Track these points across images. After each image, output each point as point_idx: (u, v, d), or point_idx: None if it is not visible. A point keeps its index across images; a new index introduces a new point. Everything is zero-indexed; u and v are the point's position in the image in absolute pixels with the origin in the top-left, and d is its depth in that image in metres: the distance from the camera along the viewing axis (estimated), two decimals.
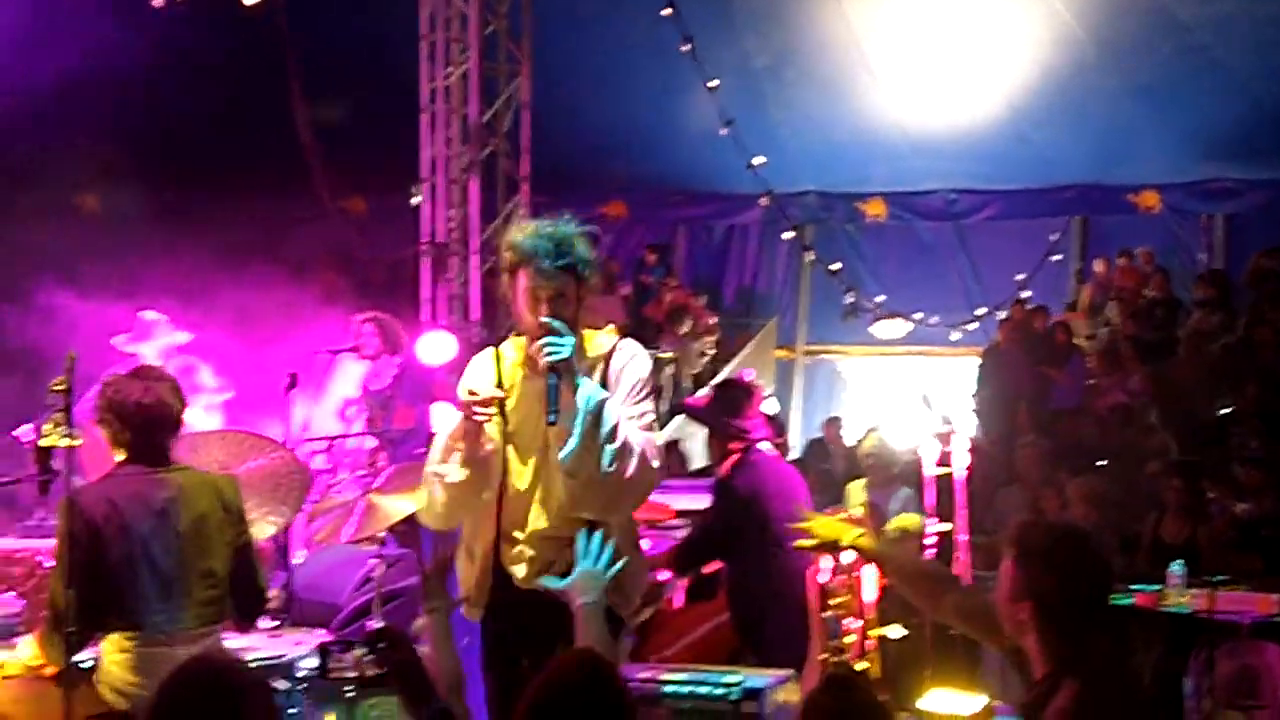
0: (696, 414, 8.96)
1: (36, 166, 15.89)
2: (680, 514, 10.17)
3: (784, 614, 8.05)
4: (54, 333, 11.45)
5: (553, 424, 5.75)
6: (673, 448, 15.10)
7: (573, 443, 5.74)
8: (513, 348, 6.13)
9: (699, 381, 18.24)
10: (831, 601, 8.55)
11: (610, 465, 5.75)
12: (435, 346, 12.60)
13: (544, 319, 5.76)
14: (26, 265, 13.41)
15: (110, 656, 6.13)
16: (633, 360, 6.07)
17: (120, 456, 6.26)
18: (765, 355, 19.91)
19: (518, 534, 6.00)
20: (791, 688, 6.82)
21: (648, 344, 18.52)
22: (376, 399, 11.49)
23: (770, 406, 17.71)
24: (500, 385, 6.01)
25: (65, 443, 5.87)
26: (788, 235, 20.12)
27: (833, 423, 17.32)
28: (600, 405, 5.74)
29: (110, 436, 6.22)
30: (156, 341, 11.04)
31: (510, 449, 6.05)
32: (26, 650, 6.32)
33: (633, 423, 5.87)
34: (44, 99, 15.12)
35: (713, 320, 19.53)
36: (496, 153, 15.58)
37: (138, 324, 11.22)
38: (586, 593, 5.30)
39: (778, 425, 10.08)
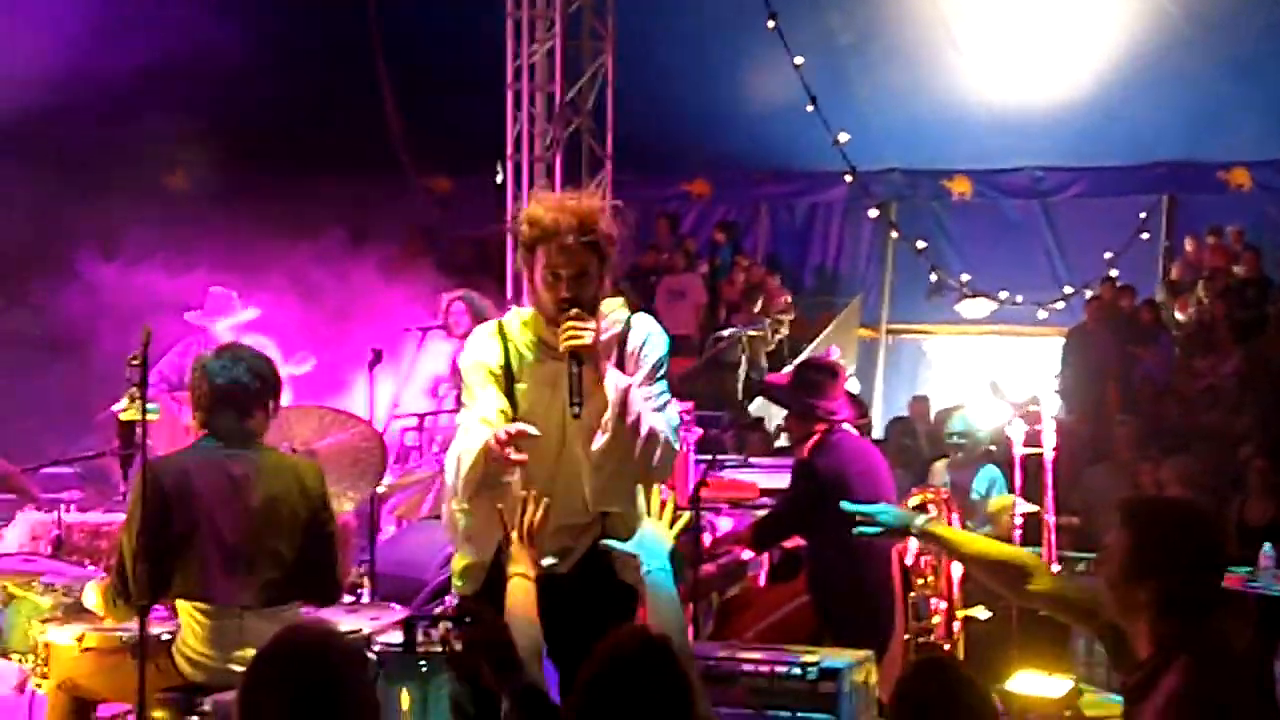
0: (775, 395, 8.83)
1: (128, 145, 15.91)
2: (765, 493, 10.05)
3: (866, 596, 7.98)
4: (142, 306, 11.48)
5: (577, 416, 5.38)
6: (757, 425, 15.00)
7: (603, 436, 5.40)
8: (519, 324, 5.63)
9: (775, 360, 18.11)
10: (918, 582, 8.48)
11: (639, 456, 5.41)
12: None
13: (564, 299, 5.38)
14: (113, 240, 13.41)
15: (187, 627, 6.14)
16: (650, 339, 5.63)
17: (201, 431, 6.26)
18: (848, 334, 19.74)
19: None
20: (870, 668, 6.73)
21: (724, 323, 18.56)
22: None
23: (852, 386, 17.63)
24: (507, 365, 5.57)
25: (143, 416, 5.83)
26: (872, 213, 19.96)
27: (919, 402, 17.16)
28: (627, 393, 5.40)
29: (192, 411, 6.23)
30: (228, 318, 11.06)
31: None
32: (92, 597, 6.36)
33: (650, 405, 5.49)
34: (137, 79, 15.15)
35: (788, 299, 19.38)
36: (580, 130, 15.57)
37: (209, 299, 11.23)
38: (653, 558, 5.02)
39: (861, 405, 9.92)
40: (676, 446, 5.60)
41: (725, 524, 8.65)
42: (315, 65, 17.01)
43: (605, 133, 15.77)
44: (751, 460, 11.74)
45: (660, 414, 5.52)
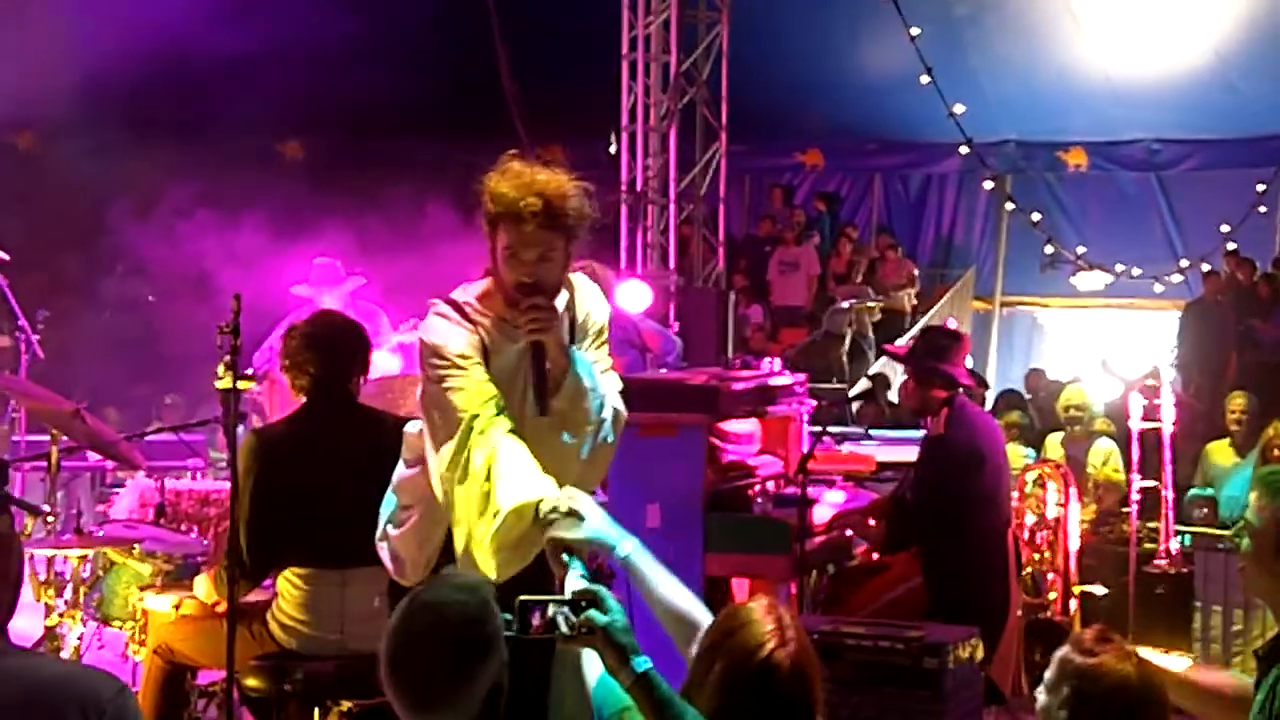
0: (902, 358, 8.55)
1: (246, 115, 15.86)
2: (882, 465, 9.77)
3: (982, 575, 7.69)
4: (259, 277, 11.41)
5: (544, 414, 4.95)
6: (869, 398, 14.71)
7: (578, 430, 4.96)
8: (477, 302, 5.02)
9: (886, 333, 17.80)
10: (1034, 557, 8.21)
11: (612, 438, 5.04)
12: (631, 295, 12.33)
13: (524, 284, 4.84)
14: (230, 210, 13.34)
15: (283, 593, 6.05)
16: (595, 304, 5.20)
17: (302, 399, 6.18)
18: (962, 306, 19.41)
19: None
20: (975, 644, 6.54)
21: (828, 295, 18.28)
22: None
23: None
24: (484, 345, 4.97)
25: (240, 385, 5.70)
26: (987, 185, 19.61)
27: (1034, 374, 16.86)
28: (595, 376, 5.00)
29: (291, 380, 6.11)
30: (334, 288, 10.95)
31: None
32: (201, 588, 6.26)
33: (605, 377, 5.12)
34: (255, 45, 15.07)
35: (913, 271, 19.11)
36: (695, 101, 15.38)
37: (315, 271, 11.13)
38: (616, 537, 4.48)
39: (979, 376, 9.64)
40: (625, 414, 5.17)
41: (837, 496, 8.35)
42: (432, 35, 16.90)
43: (720, 103, 15.56)
44: (873, 432, 11.48)
45: (608, 382, 5.14)
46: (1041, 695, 3.99)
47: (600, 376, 5.04)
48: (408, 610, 3.57)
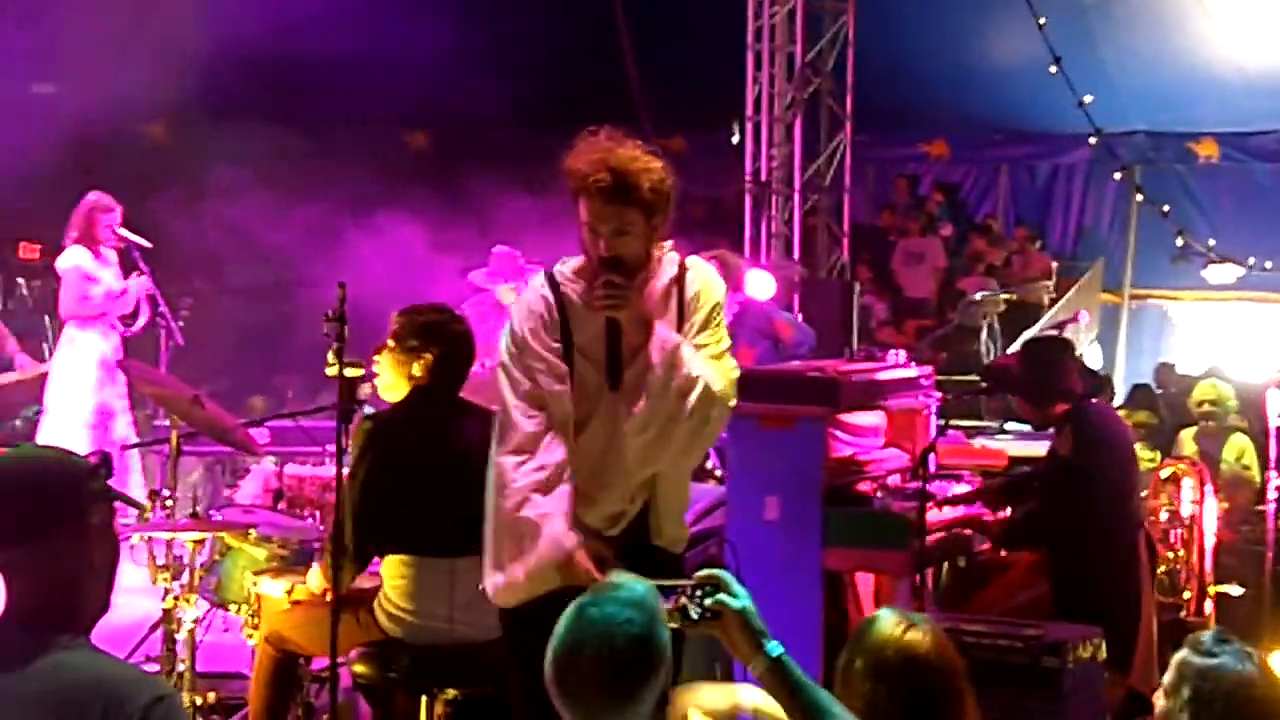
0: (1006, 381, 8.30)
1: (371, 108, 15.84)
2: (1014, 460, 9.54)
3: (1114, 586, 7.42)
4: (391, 266, 11.36)
5: (614, 389, 4.99)
6: (994, 393, 14.41)
7: (645, 400, 4.94)
8: (571, 272, 5.11)
9: (1018, 325, 17.48)
10: (1168, 555, 7.94)
11: (690, 414, 4.94)
12: (755, 285, 12.15)
13: (603, 258, 4.90)
14: (358, 200, 13.32)
15: (390, 582, 5.97)
16: (706, 285, 5.14)
17: (403, 384, 6.13)
18: (1090, 299, 19.01)
19: (583, 483, 5.07)
20: (1098, 644, 6.40)
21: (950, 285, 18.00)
22: None
23: (1094, 352, 16.98)
24: (564, 321, 5.03)
25: (348, 373, 5.61)
26: (1116, 176, 19.22)
27: (1164, 369, 16.49)
28: (675, 351, 4.93)
29: (400, 362, 6.00)
30: (515, 280, 10.92)
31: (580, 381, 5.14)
32: (314, 579, 6.19)
33: (707, 357, 5.03)
34: (378, 27, 15.06)
35: (1051, 264, 18.79)
36: (820, 91, 15.17)
37: (494, 260, 11.08)
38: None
39: (1094, 375, 9.36)
40: (732, 401, 5.12)
41: (962, 491, 8.12)
42: (556, 23, 16.78)
43: (845, 94, 15.35)
44: (1008, 427, 11.25)
45: (714, 366, 5.04)
46: (1160, 700, 3.93)
47: (696, 358, 4.95)
48: (576, 627, 3.42)
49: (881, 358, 8.77)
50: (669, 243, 5.19)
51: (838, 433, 7.63)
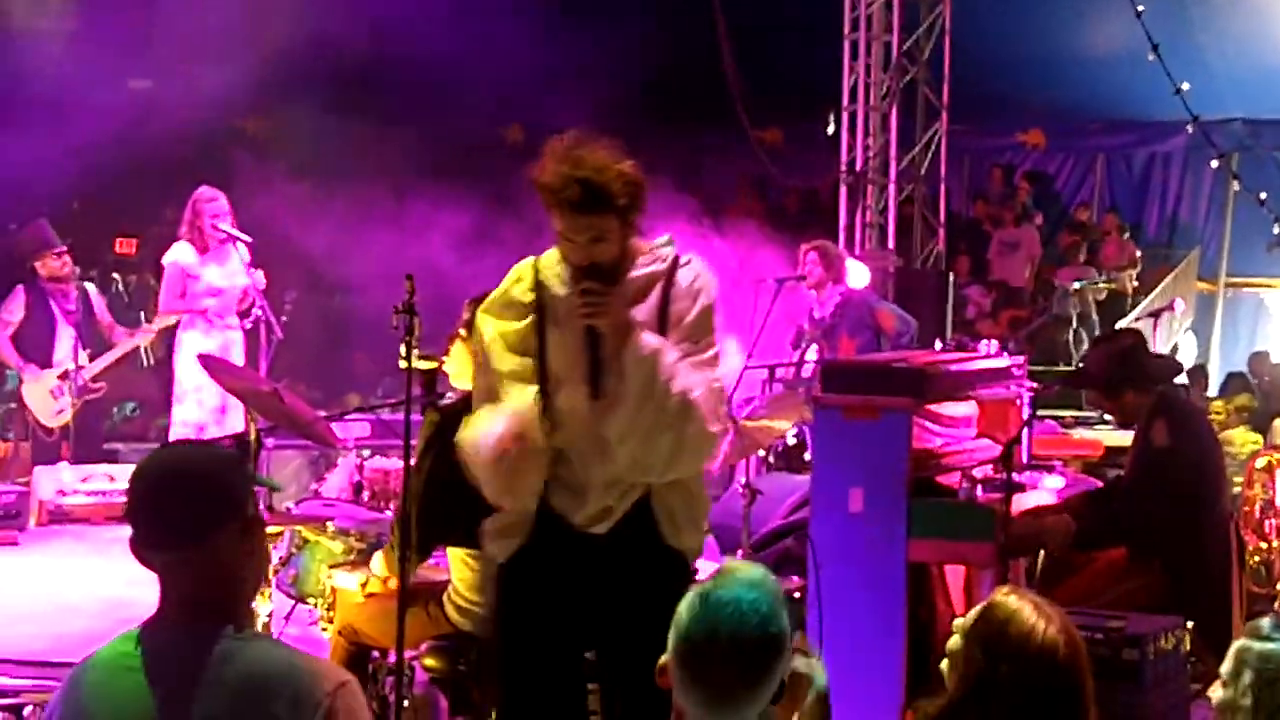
0: (1085, 385, 8.08)
1: (464, 96, 15.79)
2: (1110, 450, 9.32)
3: (1208, 570, 7.20)
4: (492, 260, 11.25)
5: (596, 399, 4.77)
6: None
7: (623, 408, 4.73)
8: (554, 260, 4.93)
9: (1111, 313, 17.20)
10: (1261, 545, 7.70)
11: (670, 424, 4.71)
12: (850, 275, 11.98)
13: (580, 266, 4.74)
14: (451, 194, 13.23)
15: (457, 575, 5.90)
16: (698, 282, 4.87)
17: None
18: (1186, 287, 18.73)
19: (568, 476, 4.90)
20: (1182, 635, 6.21)
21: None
22: (820, 327, 11.09)
23: (1188, 340, 16.68)
24: (540, 303, 4.88)
25: (423, 365, 5.49)
26: (1213, 164, 18.85)
27: (1258, 357, 16.15)
28: (655, 358, 4.69)
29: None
30: None
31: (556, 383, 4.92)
32: (377, 564, 6.14)
33: (695, 365, 4.78)
34: (473, 27, 15.01)
35: (1135, 253, 18.46)
36: (916, 80, 15.00)
37: None
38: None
39: (1168, 360, 9.13)
40: (719, 407, 4.88)
41: (1056, 482, 7.91)
42: (653, 16, 16.68)
43: (941, 83, 15.19)
44: (1107, 417, 11.02)
45: (703, 373, 4.80)
46: (1218, 691, 3.88)
47: (681, 364, 4.74)
48: (704, 612, 3.31)
49: (972, 348, 8.60)
50: (666, 237, 4.98)
51: (927, 423, 7.46)
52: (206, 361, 8.33)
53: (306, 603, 6.87)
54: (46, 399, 11.81)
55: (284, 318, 10.88)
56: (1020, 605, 3.81)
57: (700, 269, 4.93)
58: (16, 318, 11.84)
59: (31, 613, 9.04)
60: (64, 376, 11.65)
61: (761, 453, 9.53)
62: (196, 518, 3.18)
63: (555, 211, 4.74)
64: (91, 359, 11.38)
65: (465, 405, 5.84)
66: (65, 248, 11.96)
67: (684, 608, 3.33)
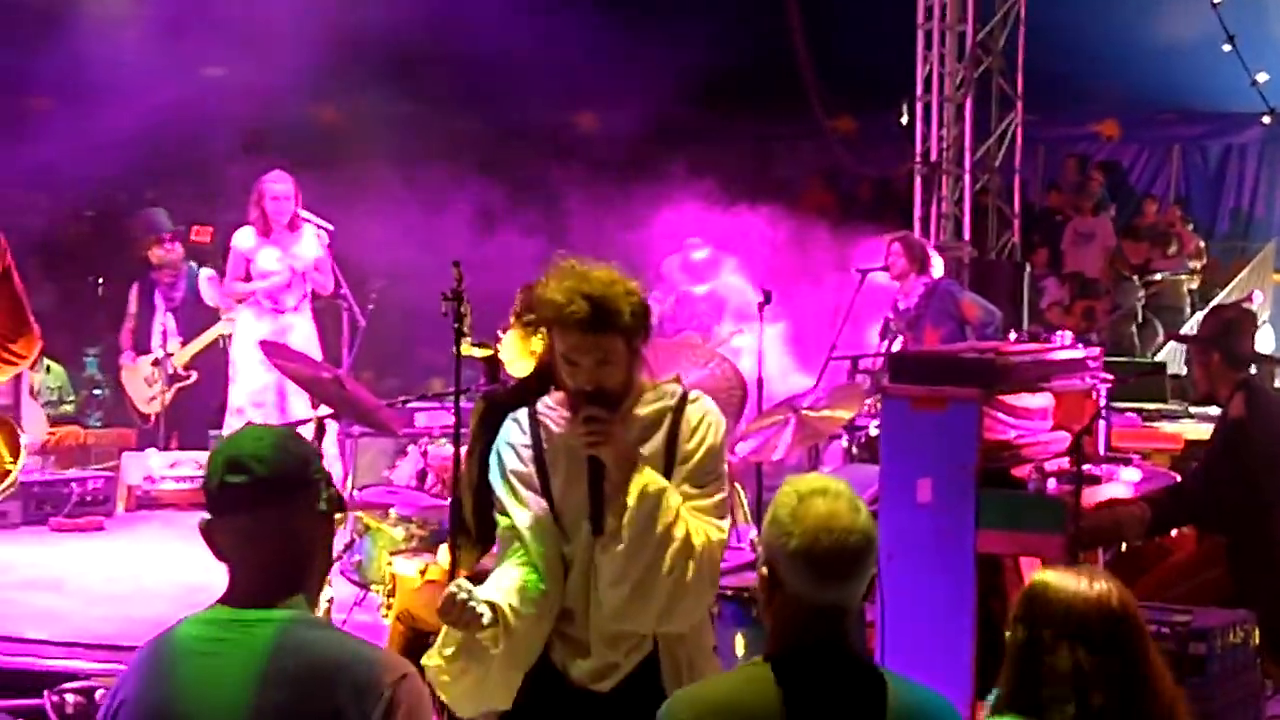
0: (1197, 341, 7.94)
1: (534, 85, 15.73)
2: (1190, 444, 9.15)
3: (1273, 560, 7.05)
4: (563, 245, 11.19)
5: (598, 534, 4.45)
6: (1160, 371, 13.95)
7: (619, 547, 4.41)
8: (554, 403, 4.66)
9: (1176, 307, 16.93)
10: None
11: (668, 571, 4.38)
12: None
13: (584, 392, 4.44)
14: (525, 184, 13.19)
15: None
16: (706, 424, 4.59)
17: (532, 363, 5.86)
18: (1262, 280, 18.38)
19: (570, 629, 4.56)
20: (1250, 630, 6.13)
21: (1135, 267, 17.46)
22: (904, 318, 11.02)
23: (1265, 334, 16.37)
24: (540, 453, 4.57)
25: (479, 352, 5.40)
26: None
27: None
28: (658, 498, 4.40)
29: (523, 337, 5.77)
30: (710, 280, 10.80)
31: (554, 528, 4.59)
32: (444, 554, 6.07)
33: (692, 509, 4.49)
34: (548, 16, 14.94)
35: (1199, 244, 18.16)
36: (991, 70, 14.76)
37: (684, 253, 10.95)
38: None
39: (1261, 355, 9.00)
40: (720, 559, 4.58)
41: (1132, 475, 7.77)
42: (728, 4, 16.57)
43: (1016, 73, 14.93)
44: (1193, 410, 10.85)
45: (706, 521, 4.49)
46: None
47: (683, 509, 4.45)
48: (817, 503, 3.33)
49: (1047, 339, 8.44)
50: (673, 374, 4.74)
51: (1000, 415, 7.35)
52: (267, 347, 8.29)
53: (369, 589, 6.84)
54: (142, 386, 11.95)
55: (370, 305, 10.82)
56: (1058, 573, 3.81)
57: (709, 407, 4.67)
58: (133, 309, 12.01)
59: (109, 596, 9.14)
60: (156, 364, 11.69)
61: (845, 443, 9.47)
62: (275, 484, 3.19)
63: (559, 331, 4.47)
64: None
65: (513, 392, 5.75)
66: (173, 233, 12.00)
67: (798, 500, 3.33)
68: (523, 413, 4.67)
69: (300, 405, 10.50)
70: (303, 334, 10.79)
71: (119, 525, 11.17)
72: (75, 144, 13.04)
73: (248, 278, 10.90)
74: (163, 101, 13.14)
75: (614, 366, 4.47)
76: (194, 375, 11.70)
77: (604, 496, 4.45)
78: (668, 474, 4.51)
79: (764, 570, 3.36)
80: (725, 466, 4.65)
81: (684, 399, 4.62)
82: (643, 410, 4.57)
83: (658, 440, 4.55)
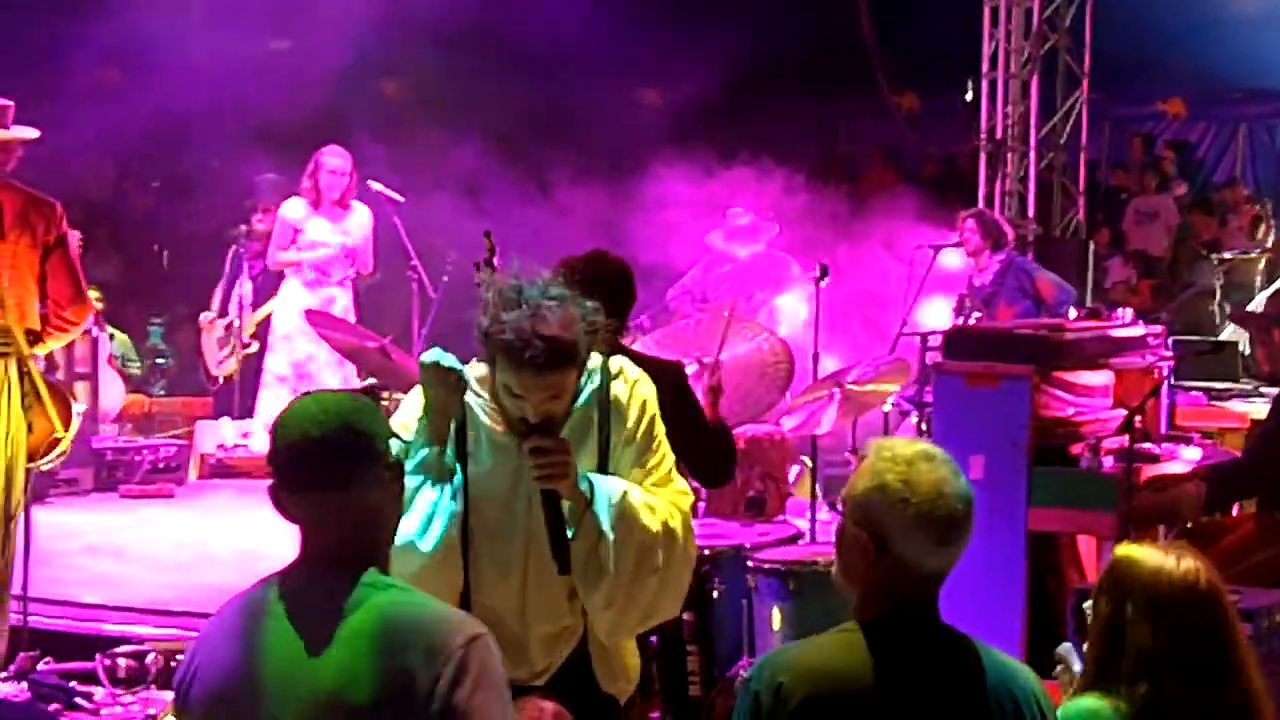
0: (1259, 319, 7.90)
1: (599, 60, 15.68)
2: (1256, 423, 9.08)
3: None
4: (627, 224, 11.23)
5: (563, 572, 4.21)
6: (1229, 348, 13.82)
7: (608, 581, 4.19)
8: (476, 382, 4.33)
9: (1249, 287, 16.76)
10: None
11: (652, 570, 4.22)
12: None
13: (529, 424, 4.16)
14: (585, 157, 13.18)
15: None
16: (636, 393, 4.37)
17: None
18: None
19: (501, 630, 4.03)
20: None
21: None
22: (979, 295, 10.95)
23: None
24: (462, 436, 4.29)
25: None
26: None
27: None
28: (626, 508, 4.17)
29: None
30: (753, 243, 10.78)
31: (478, 519, 4.33)
32: None
33: (650, 486, 4.30)
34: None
35: (1270, 224, 17.96)
36: (1057, 48, 14.65)
37: (727, 221, 10.95)
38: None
39: None
40: (691, 520, 4.43)
41: (1193, 454, 7.72)
42: None
43: (1083, 50, 14.80)
44: (1264, 390, 10.75)
45: (667, 493, 4.33)
46: None
47: (649, 499, 4.27)
48: (925, 468, 3.36)
49: (1108, 316, 8.39)
50: (595, 357, 4.35)
51: (1058, 392, 7.34)
52: (313, 318, 8.31)
53: None
54: (214, 348, 11.99)
55: (445, 278, 10.85)
56: (1143, 549, 3.82)
57: (633, 375, 4.42)
58: (227, 270, 12.10)
59: (170, 563, 9.19)
60: (229, 329, 11.78)
61: (914, 419, 9.44)
62: (341, 462, 3.17)
63: (504, 364, 4.13)
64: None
65: None
66: (268, 207, 12.05)
67: (898, 462, 3.34)
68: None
69: (334, 380, 10.52)
70: (342, 307, 10.85)
71: (190, 493, 11.22)
72: (142, 115, 13.10)
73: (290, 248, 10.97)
74: (230, 73, 13.20)
75: (562, 398, 4.20)
76: (255, 344, 11.76)
77: (563, 531, 4.19)
78: (604, 459, 4.31)
79: (864, 536, 3.32)
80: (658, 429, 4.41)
81: (606, 376, 4.36)
82: (577, 405, 4.31)
83: (591, 431, 4.32)
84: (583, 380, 4.30)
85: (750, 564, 6.19)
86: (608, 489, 4.21)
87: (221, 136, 14.42)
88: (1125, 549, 3.85)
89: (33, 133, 7.23)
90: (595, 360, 4.34)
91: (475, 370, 4.35)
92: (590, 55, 15.39)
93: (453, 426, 4.29)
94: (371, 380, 7.14)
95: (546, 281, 4.19)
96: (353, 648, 3.11)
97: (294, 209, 10.97)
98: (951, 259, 11.11)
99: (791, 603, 5.99)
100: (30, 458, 7.00)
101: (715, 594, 6.17)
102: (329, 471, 3.17)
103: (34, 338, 7.05)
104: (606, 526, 4.16)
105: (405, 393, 8.15)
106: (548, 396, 4.13)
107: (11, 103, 7.21)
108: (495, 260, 5.02)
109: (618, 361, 4.45)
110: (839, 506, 3.45)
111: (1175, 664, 3.66)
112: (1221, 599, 3.74)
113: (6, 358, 6.90)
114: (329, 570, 3.20)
